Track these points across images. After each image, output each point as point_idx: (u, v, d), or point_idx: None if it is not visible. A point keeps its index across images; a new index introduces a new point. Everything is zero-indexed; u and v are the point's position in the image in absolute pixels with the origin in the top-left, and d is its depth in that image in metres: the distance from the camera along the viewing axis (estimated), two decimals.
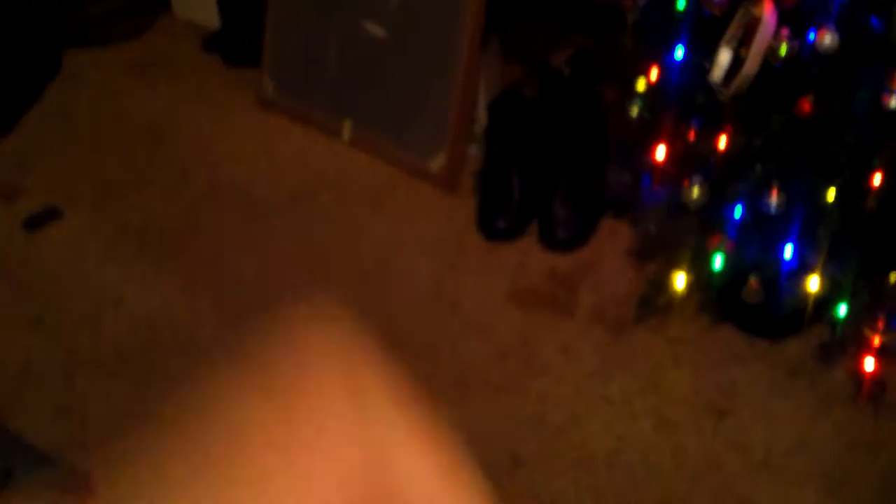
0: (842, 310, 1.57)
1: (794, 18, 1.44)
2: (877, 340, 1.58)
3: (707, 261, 1.64)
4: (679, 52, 1.56)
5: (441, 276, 2.00)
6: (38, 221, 2.19)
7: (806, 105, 1.48)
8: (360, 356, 0.94)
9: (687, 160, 1.62)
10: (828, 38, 1.38)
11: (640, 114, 1.66)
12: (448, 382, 1.78)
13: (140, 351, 1.89)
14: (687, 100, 1.59)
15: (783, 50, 1.43)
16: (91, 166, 2.32)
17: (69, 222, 2.18)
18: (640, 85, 1.65)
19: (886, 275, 1.56)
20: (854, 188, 1.48)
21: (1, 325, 1.96)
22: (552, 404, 1.73)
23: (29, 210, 2.20)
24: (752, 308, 1.69)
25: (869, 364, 1.59)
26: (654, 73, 1.63)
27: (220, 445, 0.86)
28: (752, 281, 1.65)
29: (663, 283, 1.73)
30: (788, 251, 1.56)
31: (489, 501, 0.98)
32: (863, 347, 1.60)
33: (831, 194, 1.49)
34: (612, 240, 2.03)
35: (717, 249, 1.62)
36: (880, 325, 1.58)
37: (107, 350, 1.90)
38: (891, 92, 1.37)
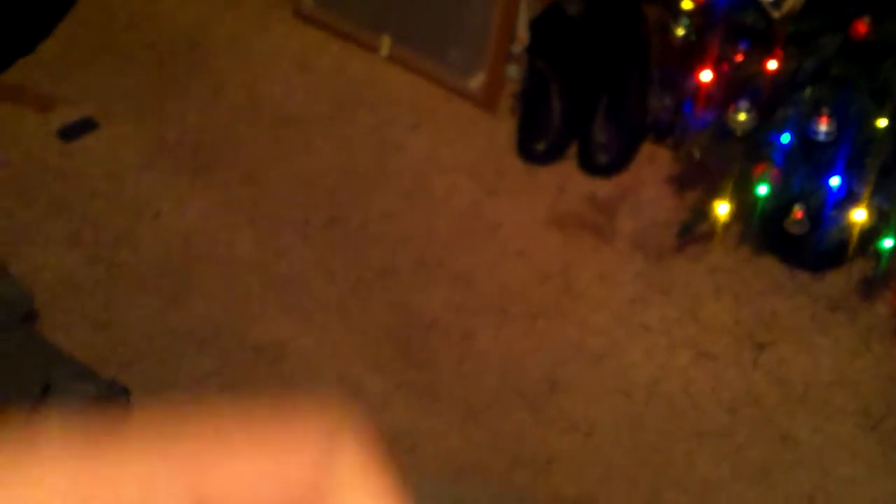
0: (887, 243, 1.53)
1: None
2: None
3: (751, 189, 1.60)
4: None
5: (479, 198, 1.97)
6: (73, 132, 2.17)
7: (861, 26, 1.42)
8: None
9: (733, 83, 1.57)
10: None
11: (685, 34, 1.61)
12: (486, 306, 1.76)
13: (177, 266, 1.89)
14: (735, 20, 1.54)
15: None
16: (126, 77, 2.30)
17: (105, 132, 2.17)
18: (686, 3, 1.60)
19: None
20: None
21: (39, 238, 1.96)
22: (591, 331, 1.71)
23: (64, 121, 2.19)
24: (795, 239, 1.65)
25: None
26: None
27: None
28: (797, 211, 1.61)
29: (705, 210, 1.69)
30: (835, 181, 1.52)
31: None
32: None
33: (882, 122, 1.44)
34: (653, 165, 1.99)
35: (762, 177, 1.58)
36: None
37: (145, 265, 1.90)
38: None
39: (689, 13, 1.60)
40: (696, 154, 1.72)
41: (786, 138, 1.53)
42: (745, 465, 1.56)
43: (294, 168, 2.05)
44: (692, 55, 1.61)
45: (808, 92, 1.49)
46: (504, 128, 2.09)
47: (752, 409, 1.60)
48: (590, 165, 2.00)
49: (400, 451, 1.57)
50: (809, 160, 1.55)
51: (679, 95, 1.69)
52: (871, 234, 1.55)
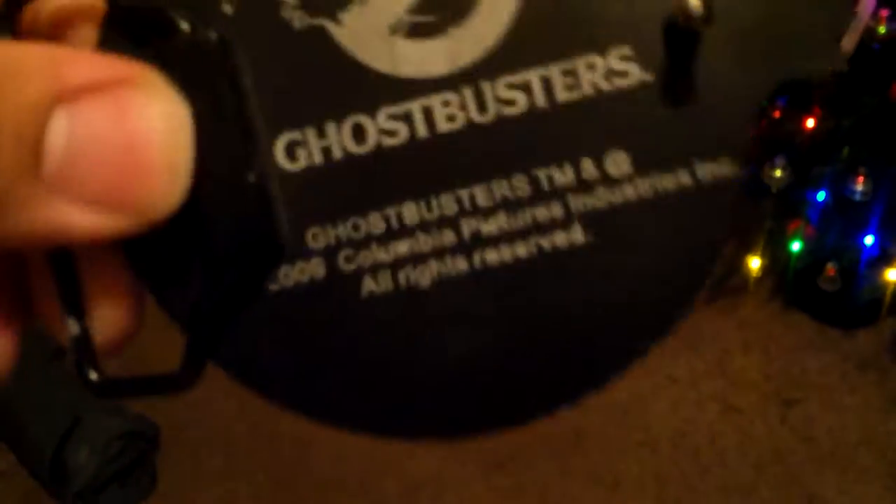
0: None
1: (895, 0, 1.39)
2: None
3: (784, 245, 1.59)
4: None
5: None
6: None
7: None
8: None
9: (771, 140, 1.57)
10: None
11: None
12: None
13: None
14: None
15: (881, 30, 1.38)
16: None
17: None
18: None
19: None
20: None
21: None
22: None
23: None
24: (827, 296, 1.64)
25: None
26: None
27: None
28: (830, 268, 1.60)
29: (736, 264, 1.69)
30: (869, 239, 1.51)
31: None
32: None
33: None
34: None
35: (796, 234, 1.58)
36: None
37: None
38: None
39: None
40: None
41: (821, 196, 1.53)
42: None
43: None
44: None
45: (845, 151, 1.49)
46: None
47: (778, 467, 1.58)
48: None
49: (425, 499, 1.56)
50: (844, 218, 1.54)
51: None
52: None
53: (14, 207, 0.23)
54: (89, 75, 0.24)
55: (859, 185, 1.47)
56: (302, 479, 1.58)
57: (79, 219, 0.24)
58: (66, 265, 0.27)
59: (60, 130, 0.23)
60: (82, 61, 0.24)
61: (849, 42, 1.39)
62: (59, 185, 0.23)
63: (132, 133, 0.24)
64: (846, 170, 1.49)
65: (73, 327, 0.27)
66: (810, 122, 1.50)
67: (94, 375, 0.28)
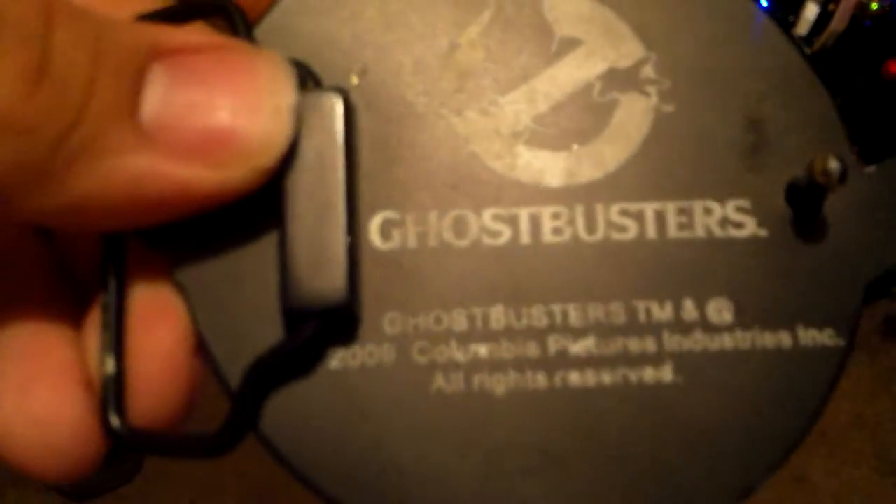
0: None
1: None
2: None
3: None
4: (763, 2, 1.49)
5: None
6: None
7: (893, 66, 1.41)
8: None
9: None
10: None
11: None
12: None
13: None
14: None
15: (874, 6, 1.36)
16: None
17: None
18: None
19: None
20: None
21: None
22: None
23: None
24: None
25: None
26: None
27: None
28: None
29: None
30: None
31: None
32: None
33: None
34: None
35: None
36: None
37: None
38: None
39: None
40: None
41: None
42: None
43: None
44: None
45: None
46: None
47: None
48: None
49: None
50: None
51: None
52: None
53: (105, 152, 0.22)
54: (187, 40, 0.24)
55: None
56: None
57: (174, 170, 0.23)
58: (117, 296, 0.26)
59: (160, 77, 0.23)
60: (180, 31, 0.24)
61: (840, 20, 1.37)
62: (156, 133, 0.23)
63: (234, 78, 0.24)
64: None
65: (108, 364, 0.26)
66: None
67: (115, 421, 0.25)
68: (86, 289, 0.28)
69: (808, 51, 1.42)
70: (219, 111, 0.24)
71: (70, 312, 0.27)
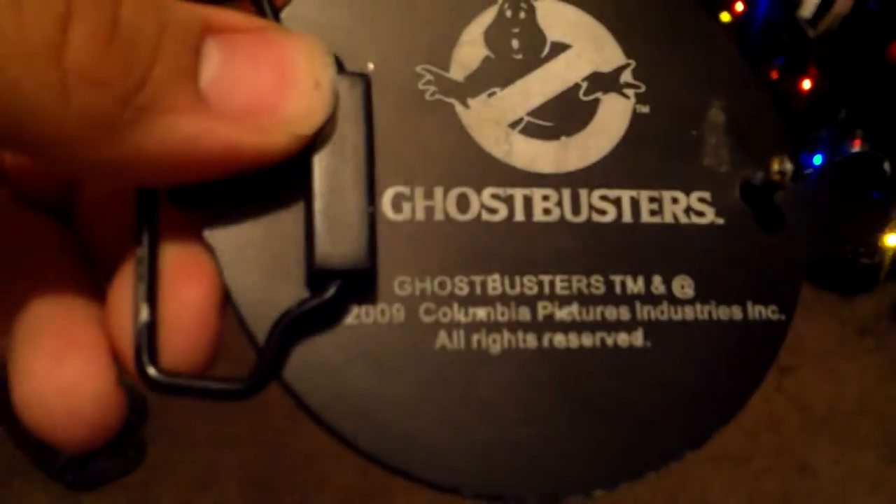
0: None
1: None
2: None
3: None
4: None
5: None
6: None
7: None
8: None
9: None
10: None
11: None
12: None
13: None
14: (771, 36, 1.50)
15: None
16: None
17: None
18: (723, 17, 1.56)
19: None
20: None
21: None
22: None
23: None
24: (825, 260, 1.61)
25: None
26: (738, 5, 1.54)
27: None
28: None
29: None
30: None
31: None
32: None
33: None
34: None
35: None
36: None
37: None
38: None
39: (725, 27, 1.56)
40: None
41: (818, 159, 1.49)
42: (761, 495, 1.52)
43: None
44: None
45: (842, 113, 1.45)
46: None
47: (771, 435, 1.56)
48: None
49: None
50: None
51: None
52: None
53: (166, 111, 0.24)
54: (233, 20, 0.26)
55: (856, 147, 1.44)
56: (291, 450, 1.57)
57: (225, 132, 0.25)
58: (151, 244, 0.28)
59: (214, 50, 0.26)
60: (226, 12, 0.27)
61: (845, 2, 1.35)
62: (211, 99, 0.25)
63: (279, 55, 0.27)
64: (843, 132, 1.45)
65: (143, 312, 0.27)
66: (807, 84, 1.46)
67: (152, 371, 0.27)
68: (104, 273, 0.30)
69: (812, 33, 1.40)
70: (266, 84, 0.26)
71: (93, 293, 0.29)
